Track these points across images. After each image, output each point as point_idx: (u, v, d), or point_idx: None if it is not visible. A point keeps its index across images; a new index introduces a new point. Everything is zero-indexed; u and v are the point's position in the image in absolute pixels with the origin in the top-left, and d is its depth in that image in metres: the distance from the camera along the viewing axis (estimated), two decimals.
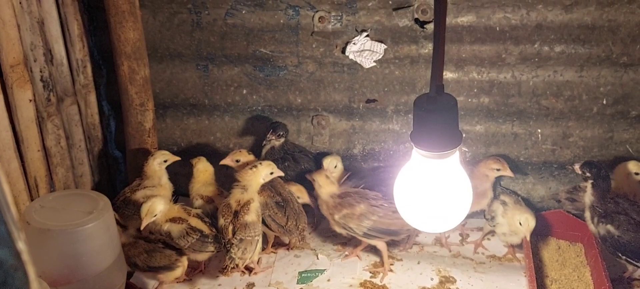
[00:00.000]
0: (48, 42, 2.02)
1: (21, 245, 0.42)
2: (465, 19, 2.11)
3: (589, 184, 1.97)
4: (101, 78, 2.36)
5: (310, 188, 2.18)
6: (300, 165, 2.31)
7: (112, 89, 2.36)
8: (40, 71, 1.98)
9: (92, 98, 2.28)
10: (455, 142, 1.21)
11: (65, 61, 2.11)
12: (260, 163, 2.03)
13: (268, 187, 2.07)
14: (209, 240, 1.98)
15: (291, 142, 2.38)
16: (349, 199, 2.05)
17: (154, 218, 1.90)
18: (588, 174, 1.96)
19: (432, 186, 1.26)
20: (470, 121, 2.27)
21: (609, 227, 1.92)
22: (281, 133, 2.26)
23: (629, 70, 2.10)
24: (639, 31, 2.03)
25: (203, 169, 2.19)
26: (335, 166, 2.29)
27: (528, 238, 2.01)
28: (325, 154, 2.37)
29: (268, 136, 2.25)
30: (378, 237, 2.05)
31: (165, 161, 2.15)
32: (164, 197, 1.99)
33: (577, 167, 2.01)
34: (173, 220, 1.94)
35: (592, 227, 1.99)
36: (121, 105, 2.22)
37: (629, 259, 1.91)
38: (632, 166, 2.05)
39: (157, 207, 1.90)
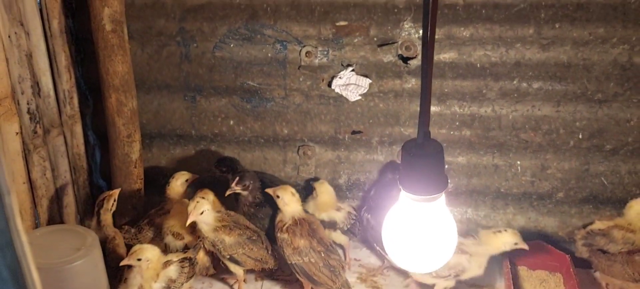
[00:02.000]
0: (36, 75, 2.03)
1: None
2: (448, 56, 2.18)
3: None
4: (87, 108, 2.37)
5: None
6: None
7: (98, 118, 2.37)
8: (28, 103, 1.99)
9: (78, 129, 2.28)
10: (441, 187, 1.26)
11: (52, 93, 2.12)
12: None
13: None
14: (193, 261, 2.03)
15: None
16: (299, 227, 2.03)
17: (201, 215, 1.96)
18: None
19: (419, 228, 1.30)
20: (452, 152, 2.33)
21: None
22: (247, 184, 2.13)
23: (603, 106, 2.18)
24: (612, 69, 2.12)
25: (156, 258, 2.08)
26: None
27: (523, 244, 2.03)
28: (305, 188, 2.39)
29: (232, 185, 2.11)
30: (300, 275, 2.04)
31: (186, 181, 2.21)
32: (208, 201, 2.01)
33: None
34: (163, 267, 1.95)
35: None
36: (108, 136, 2.22)
37: None
38: None
39: (204, 205, 1.96)
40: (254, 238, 2.07)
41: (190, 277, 2.03)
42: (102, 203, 2.07)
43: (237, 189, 2.12)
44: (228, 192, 2.12)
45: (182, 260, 2.00)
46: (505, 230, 2.05)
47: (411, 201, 1.29)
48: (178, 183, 2.20)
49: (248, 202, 2.14)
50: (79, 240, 1.63)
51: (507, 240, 2.03)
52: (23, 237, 0.42)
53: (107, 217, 2.06)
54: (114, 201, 2.09)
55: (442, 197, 1.31)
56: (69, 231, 1.70)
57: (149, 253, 1.89)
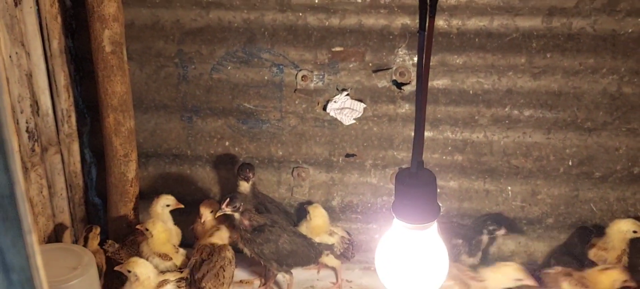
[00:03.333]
0: (35, 94, 2.06)
1: None
2: (441, 82, 2.23)
3: None
4: (85, 127, 2.39)
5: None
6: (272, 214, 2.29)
7: (95, 137, 2.39)
8: (26, 122, 2.01)
9: (75, 147, 2.31)
10: (434, 215, 1.29)
11: (51, 112, 2.14)
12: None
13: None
14: (187, 280, 2.06)
15: (264, 195, 2.39)
16: None
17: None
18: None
19: (412, 254, 1.33)
20: (444, 177, 2.37)
21: None
22: (238, 206, 2.08)
23: (592, 134, 2.23)
24: (602, 99, 2.17)
25: (161, 230, 2.14)
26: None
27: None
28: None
29: (222, 206, 2.07)
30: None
31: (167, 205, 2.21)
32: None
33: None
34: (160, 285, 1.98)
35: None
36: (105, 155, 2.24)
37: None
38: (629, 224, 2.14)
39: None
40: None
41: None
42: (90, 229, 2.11)
43: (228, 210, 2.07)
44: (218, 214, 2.08)
45: (179, 280, 2.01)
46: (507, 264, 1.96)
47: (404, 228, 1.33)
48: (158, 206, 2.20)
49: (244, 226, 2.10)
50: (75, 259, 1.65)
51: (510, 274, 1.92)
52: (42, 274, 0.45)
53: (93, 242, 2.09)
54: (98, 236, 2.12)
55: (434, 225, 1.35)
56: (65, 250, 1.71)
57: (139, 269, 1.92)
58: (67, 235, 2.29)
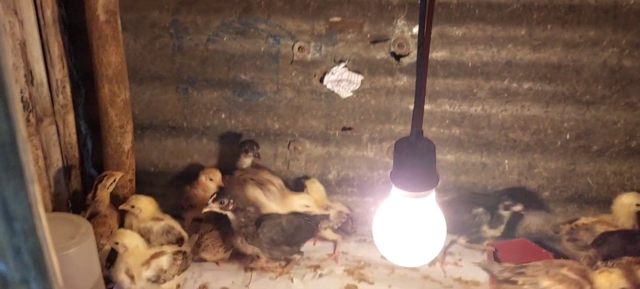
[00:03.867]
0: (29, 64, 2.03)
1: None
2: (440, 55, 2.21)
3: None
4: (80, 98, 2.36)
5: None
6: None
7: (91, 108, 2.37)
8: (21, 92, 1.98)
9: (71, 118, 2.28)
10: (432, 184, 1.29)
11: (45, 82, 2.12)
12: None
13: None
14: (187, 255, 2.09)
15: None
16: None
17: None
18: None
19: (409, 223, 1.33)
20: (441, 150, 2.37)
21: None
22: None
23: (591, 108, 2.23)
24: (601, 72, 2.17)
25: (147, 202, 2.13)
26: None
27: None
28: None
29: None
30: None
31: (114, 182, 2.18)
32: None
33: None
34: (154, 257, 1.99)
35: None
36: (100, 126, 2.22)
37: None
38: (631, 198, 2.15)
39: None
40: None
41: (183, 270, 2.04)
42: (102, 179, 2.13)
43: (214, 207, 1.97)
44: (205, 210, 2.00)
45: (176, 253, 2.02)
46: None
47: (402, 197, 1.32)
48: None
49: (242, 222, 2.02)
50: (72, 228, 1.64)
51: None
52: (45, 223, 0.44)
53: (103, 194, 2.12)
54: (114, 181, 2.14)
55: (432, 194, 1.34)
56: (63, 220, 1.71)
57: (127, 240, 1.93)
58: (64, 206, 2.28)
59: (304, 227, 2.17)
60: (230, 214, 2.00)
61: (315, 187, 2.31)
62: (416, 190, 1.28)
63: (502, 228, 2.21)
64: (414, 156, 1.25)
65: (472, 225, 2.20)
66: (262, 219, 2.07)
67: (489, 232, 2.20)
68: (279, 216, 2.12)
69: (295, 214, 2.18)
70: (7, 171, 0.40)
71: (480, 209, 2.18)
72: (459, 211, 2.22)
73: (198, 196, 2.29)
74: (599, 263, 1.94)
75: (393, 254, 1.38)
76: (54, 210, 2.20)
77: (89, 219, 1.98)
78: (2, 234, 0.43)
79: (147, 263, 1.95)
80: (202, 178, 2.30)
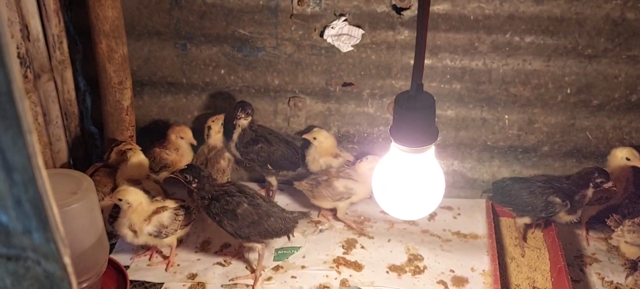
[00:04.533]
0: (24, 18, 2.00)
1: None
2: (441, 7, 2.17)
3: None
4: (77, 54, 2.34)
5: None
6: (273, 146, 2.34)
7: (88, 64, 2.35)
8: (17, 47, 1.96)
9: (69, 74, 2.27)
10: (432, 138, 1.29)
11: (41, 37, 2.09)
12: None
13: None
14: (191, 209, 2.09)
15: (263, 126, 2.41)
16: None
17: None
18: None
19: (409, 178, 1.34)
20: (442, 105, 2.36)
21: None
22: (249, 111, 2.23)
23: (592, 61, 2.21)
24: (604, 25, 2.14)
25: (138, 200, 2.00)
26: (314, 138, 2.33)
27: None
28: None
29: (238, 114, 2.21)
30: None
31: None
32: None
33: None
34: (156, 212, 2.00)
35: None
36: (99, 83, 2.21)
37: None
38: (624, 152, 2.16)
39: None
40: None
41: (186, 225, 2.07)
42: (119, 143, 2.22)
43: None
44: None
45: (178, 208, 2.04)
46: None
47: (401, 152, 1.33)
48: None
49: (201, 203, 1.99)
50: (74, 184, 1.65)
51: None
52: (44, 173, 0.44)
53: (115, 157, 2.21)
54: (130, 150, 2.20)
55: (431, 149, 1.35)
56: (64, 175, 1.71)
57: (130, 197, 1.95)
58: (65, 163, 2.29)
59: (265, 224, 1.98)
60: (244, 122, 2.17)
61: (323, 135, 2.32)
62: (415, 145, 1.29)
63: (580, 211, 2.13)
64: (414, 110, 1.25)
65: (544, 210, 2.14)
66: (218, 198, 1.95)
67: (566, 217, 2.15)
68: (240, 203, 1.95)
69: (270, 205, 2.03)
70: (4, 120, 0.40)
71: (558, 200, 2.11)
72: (534, 192, 2.17)
73: (169, 157, 2.30)
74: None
75: (393, 209, 1.40)
76: (54, 167, 2.22)
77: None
78: (2, 184, 0.43)
79: (148, 218, 1.98)
80: (172, 137, 2.30)
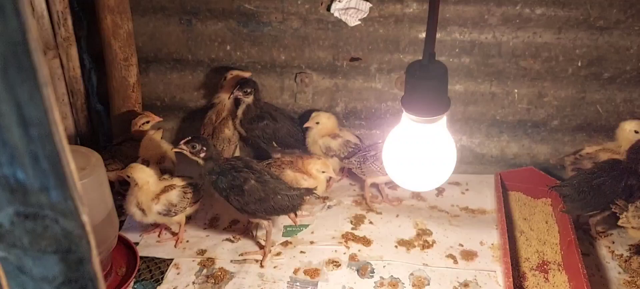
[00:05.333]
0: None
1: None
2: None
3: None
4: (82, 31, 2.32)
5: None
6: (278, 123, 2.33)
7: (93, 41, 2.33)
8: None
9: (74, 51, 2.25)
10: (444, 108, 1.27)
11: (45, 13, 2.07)
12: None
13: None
14: (199, 185, 2.07)
15: (268, 103, 2.39)
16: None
17: None
18: None
19: (420, 148, 1.33)
20: (450, 80, 2.32)
21: None
22: (248, 90, 2.19)
23: (604, 33, 2.18)
24: None
25: (145, 178, 1.99)
26: (317, 123, 2.31)
27: None
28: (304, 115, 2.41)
29: (235, 91, 2.17)
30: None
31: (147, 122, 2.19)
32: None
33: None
34: (164, 191, 2.00)
35: None
36: (104, 59, 2.19)
37: None
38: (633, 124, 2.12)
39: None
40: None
41: (195, 202, 2.06)
42: (135, 115, 2.23)
43: (184, 149, 1.90)
44: (173, 149, 1.98)
45: (186, 186, 2.03)
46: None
47: (413, 123, 1.31)
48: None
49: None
50: (83, 160, 1.65)
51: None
52: (61, 129, 0.43)
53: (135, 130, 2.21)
54: (147, 122, 2.20)
55: (443, 119, 1.33)
56: (73, 151, 1.70)
57: (137, 175, 1.95)
58: (71, 141, 2.28)
59: (279, 198, 1.94)
60: (200, 161, 1.91)
61: (325, 117, 2.30)
62: (427, 115, 1.27)
63: None
64: (426, 79, 1.23)
65: (621, 194, 2.00)
66: (225, 173, 1.91)
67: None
68: (248, 179, 1.91)
69: (278, 182, 1.99)
70: (20, 72, 0.39)
71: (635, 181, 1.96)
72: (605, 183, 2.01)
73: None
74: None
75: (403, 180, 1.39)
76: None
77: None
78: (18, 140, 0.42)
79: (157, 197, 1.97)
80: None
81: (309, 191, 2.04)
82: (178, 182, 2.04)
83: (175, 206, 2.00)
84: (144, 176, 1.96)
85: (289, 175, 2.14)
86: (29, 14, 0.38)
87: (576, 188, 2.05)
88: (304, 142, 2.38)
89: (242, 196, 1.91)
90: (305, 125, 2.32)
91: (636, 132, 2.14)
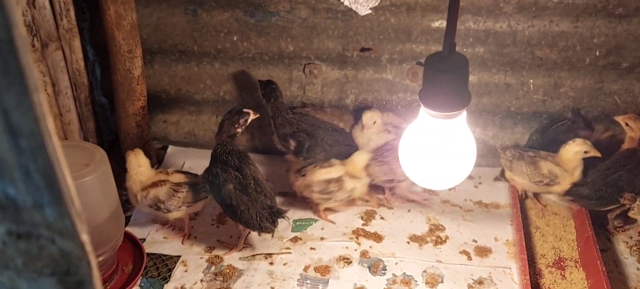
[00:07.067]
0: None
1: (85, 237, 0.42)
2: None
3: None
4: (85, 22, 2.26)
5: None
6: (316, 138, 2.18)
7: (96, 33, 2.27)
8: (23, 15, 1.89)
9: (77, 43, 2.19)
10: (464, 103, 1.21)
11: (47, 4, 2.01)
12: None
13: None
14: (200, 187, 1.97)
15: (305, 114, 2.25)
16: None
17: None
18: None
19: (439, 146, 1.27)
20: None
21: None
22: (239, 122, 1.91)
23: (623, 21, 2.10)
24: None
25: (136, 164, 1.94)
26: (375, 122, 2.20)
27: None
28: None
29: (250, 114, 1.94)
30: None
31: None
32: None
33: None
34: (155, 185, 1.92)
35: None
36: (108, 51, 2.13)
37: None
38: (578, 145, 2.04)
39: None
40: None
41: (192, 203, 1.95)
42: None
43: (252, 115, 1.89)
44: (252, 119, 1.91)
45: (179, 184, 1.94)
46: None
47: (431, 118, 1.25)
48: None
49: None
50: (87, 156, 1.59)
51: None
52: (55, 139, 0.38)
53: None
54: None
55: (463, 114, 1.27)
56: (77, 147, 1.66)
57: (130, 161, 1.92)
58: (76, 135, 2.23)
59: (247, 213, 1.85)
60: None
61: (377, 114, 2.20)
62: (447, 110, 1.21)
63: None
64: (446, 72, 1.17)
65: None
66: (213, 172, 1.88)
67: None
68: (227, 181, 1.85)
69: (258, 194, 1.87)
70: (6, 75, 0.33)
71: None
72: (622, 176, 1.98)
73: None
74: None
75: (421, 178, 1.33)
76: (66, 139, 2.16)
77: None
78: (7, 152, 0.36)
79: (146, 189, 1.91)
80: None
81: (280, 213, 1.87)
82: (174, 178, 1.96)
83: (164, 203, 1.90)
84: (133, 164, 1.91)
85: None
86: (15, 7, 0.32)
87: (592, 187, 2.00)
88: (353, 143, 2.23)
89: (218, 196, 1.87)
90: (364, 130, 2.19)
91: (585, 152, 2.04)
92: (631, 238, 2.07)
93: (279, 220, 1.87)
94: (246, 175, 1.87)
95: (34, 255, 0.41)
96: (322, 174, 2.04)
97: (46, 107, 0.37)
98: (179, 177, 1.97)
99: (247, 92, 2.40)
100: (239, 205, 1.83)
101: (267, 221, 1.84)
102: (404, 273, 1.91)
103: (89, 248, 0.42)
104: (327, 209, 2.14)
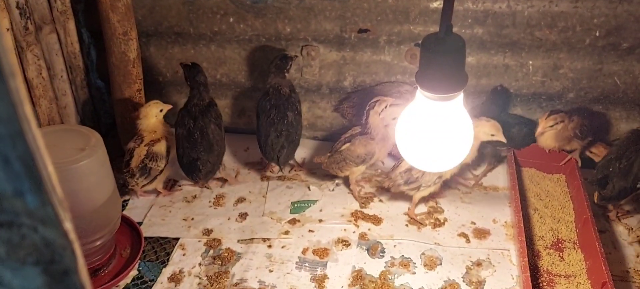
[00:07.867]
0: None
1: (68, 225, 0.41)
2: None
3: None
4: (79, 4, 2.24)
5: None
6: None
7: (91, 15, 2.25)
8: None
9: (71, 26, 2.17)
10: (461, 85, 1.20)
11: None
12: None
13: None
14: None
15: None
16: None
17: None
18: None
19: (436, 128, 1.26)
20: None
21: None
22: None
23: (623, 1, 2.08)
24: None
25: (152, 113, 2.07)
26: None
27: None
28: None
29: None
30: None
31: (160, 111, 2.09)
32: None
33: None
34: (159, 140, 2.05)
35: None
36: (103, 34, 2.11)
37: None
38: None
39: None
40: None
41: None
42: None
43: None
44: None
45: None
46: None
47: (428, 100, 1.24)
48: (152, 113, 2.07)
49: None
50: (82, 140, 1.58)
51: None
52: (34, 125, 0.37)
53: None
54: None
55: (460, 96, 1.26)
56: (72, 131, 1.64)
57: (141, 110, 2.06)
58: (72, 119, 2.22)
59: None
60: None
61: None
62: (444, 92, 1.19)
63: None
64: (443, 54, 1.15)
65: None
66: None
67: None
68: (208, 124, 2.10)
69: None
70: None
71: None
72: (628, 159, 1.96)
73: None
74: None
75: (418, 161, 1.32)
76: (62, 123, 2.15)
77: None
78: None
79: (152, 142, 2.05)
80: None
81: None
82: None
83: (157, 161, 2.03)
84: (145, 112, 2.04)
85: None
86: None
87: (611, 179, 1.98)
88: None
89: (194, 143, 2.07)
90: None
91: (492, 135, 2.04)
92: (631, 228, 2.06)
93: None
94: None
95: (16, 244, 0.40)
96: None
97: (23, 92, 0.36)
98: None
99: (245, 74, 2.38)
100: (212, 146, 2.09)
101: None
102: (403, 255, 1.91)
103: (72, 236, 0.42)
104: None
